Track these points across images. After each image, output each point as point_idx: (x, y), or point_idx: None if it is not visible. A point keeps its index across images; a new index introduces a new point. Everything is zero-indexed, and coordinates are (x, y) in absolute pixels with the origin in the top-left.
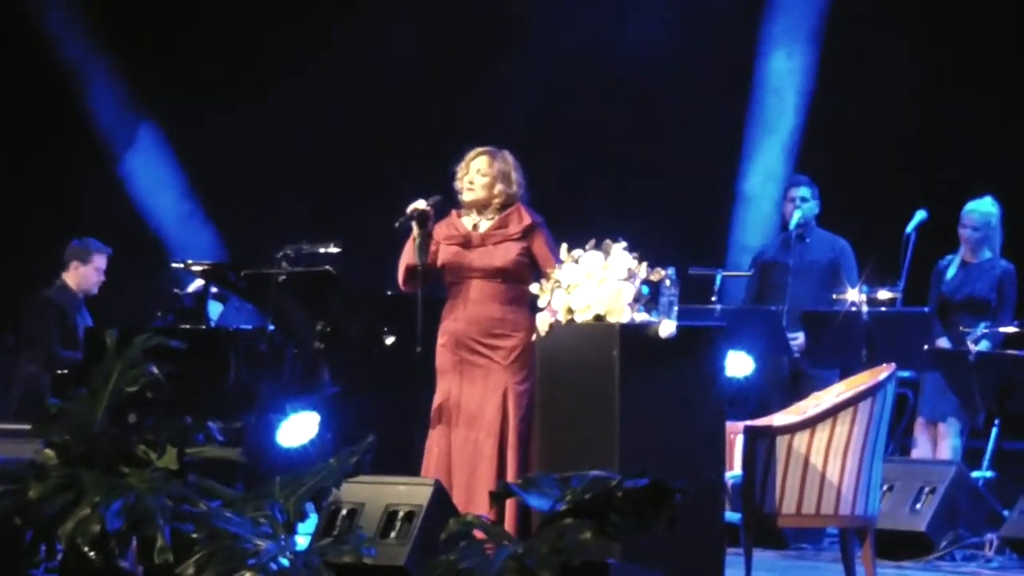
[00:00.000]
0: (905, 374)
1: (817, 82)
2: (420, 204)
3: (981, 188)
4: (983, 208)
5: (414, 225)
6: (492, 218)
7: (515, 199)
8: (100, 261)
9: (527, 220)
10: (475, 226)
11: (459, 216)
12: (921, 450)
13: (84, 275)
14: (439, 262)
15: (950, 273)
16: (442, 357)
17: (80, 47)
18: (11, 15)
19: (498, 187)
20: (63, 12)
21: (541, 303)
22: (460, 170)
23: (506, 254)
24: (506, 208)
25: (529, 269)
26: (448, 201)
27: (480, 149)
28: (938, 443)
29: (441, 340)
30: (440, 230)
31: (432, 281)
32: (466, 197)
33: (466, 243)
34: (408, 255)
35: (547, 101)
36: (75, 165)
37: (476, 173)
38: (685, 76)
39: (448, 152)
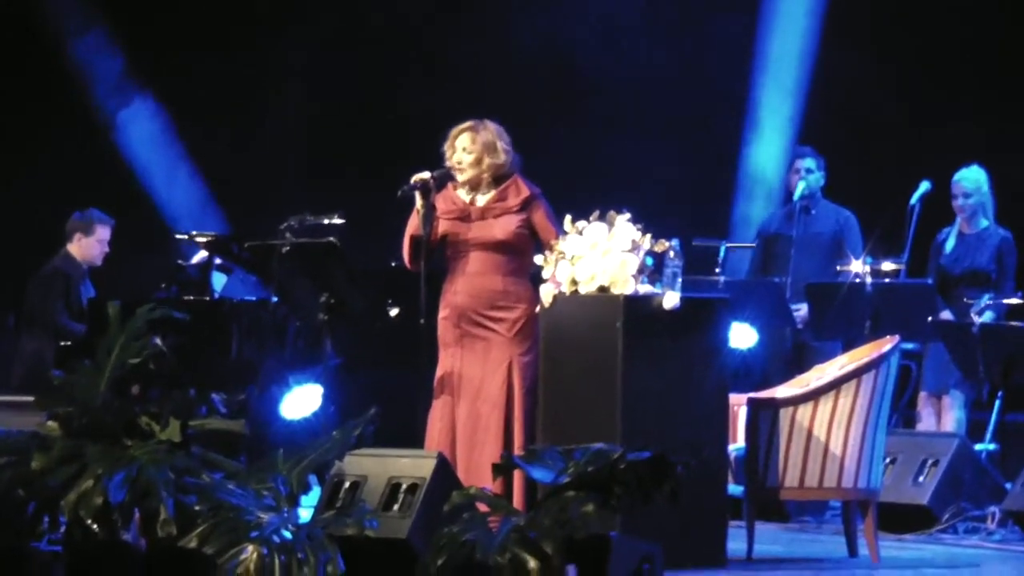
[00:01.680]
0: (909, 346)
1: (821, 52)
2: (423, 175)
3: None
4: (972, 174)
5: (417, 196)
6: (488, 191)
7: (504, 167)
8: (103, 232)
9: (525, 192)
10: (472, 200)
11: (455, 189)
12: (925, 424)
13: (88, 246)
14: (439, 235)
15: (949, 246)
16: (444, 330)
17: (76, 16)
18: None
19: (486, 160)
20: None
21: (545, 274)
22: (447, 150)
23: (506, 226)
24: (500, 179)
25: (529, 241)
26: (449, 174)
27: (462, 126)
28: (942, 416)
29: (443, 313)
30: (438, 204)
31: (437, 253)
32: (459, 177)
33: (465, 216)
34: (413, 227)
35: (551, 71)
36: (74, 137)
37: (462, 151)
38: (689, 46)
39: (452, 125)
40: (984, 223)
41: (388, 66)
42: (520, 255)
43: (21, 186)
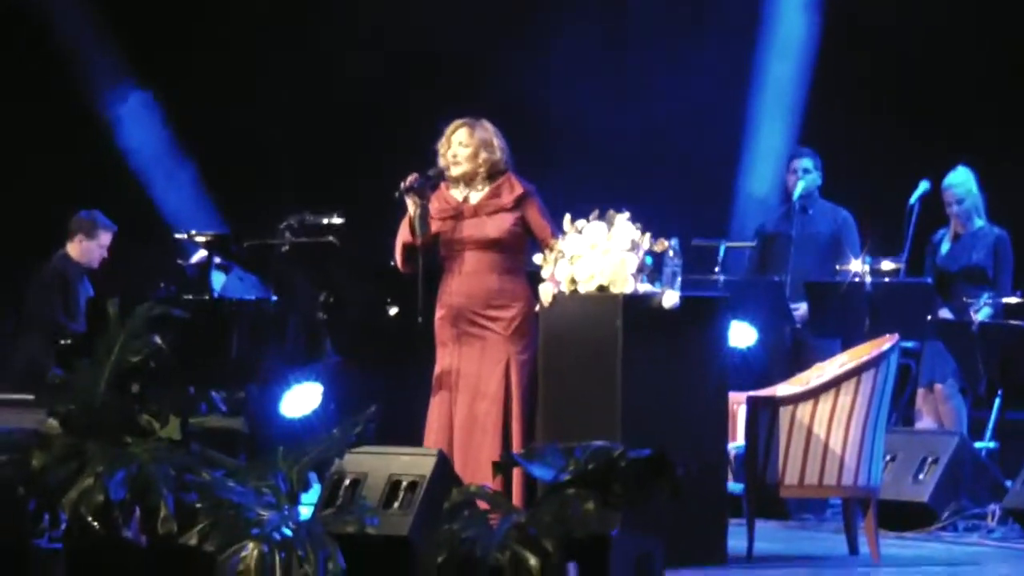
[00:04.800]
0: (908, 344)
1: (821, 51)
2: (412, 177)
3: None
4: (960, 179)
5: (409, 200)
6: (482, 189)
7: (500, 165)
8: (105, 238)
9: (519, 189)
10: (465, 198)
11: (448, 189)
12: (925, 421)
13: (88, 249)
14: (432, 235)
15: (944, 247)
16: (441, 329)
17: (74, 15)
18: None
19: (482, 155)
20: None
21: (544, 273)
22: (442, 146)
23: (500, 224)
24: (494, 177)
25: (524, 239)
26: (441, 175)
27: (458, 121)
28: (938, 407)
29: (439, 312)
30: (432, 204)
31: (433, 254)
32: (453, 172)
33: (458, 215)
34: (404, 233)
35: (548, 71)
36: (73, 135)
37: (458, 145)
38: (687, 47)
39: (449, 121)
40: (979, 223)
41: (387, 63)
42: (515, 253)
43: (20, 183)
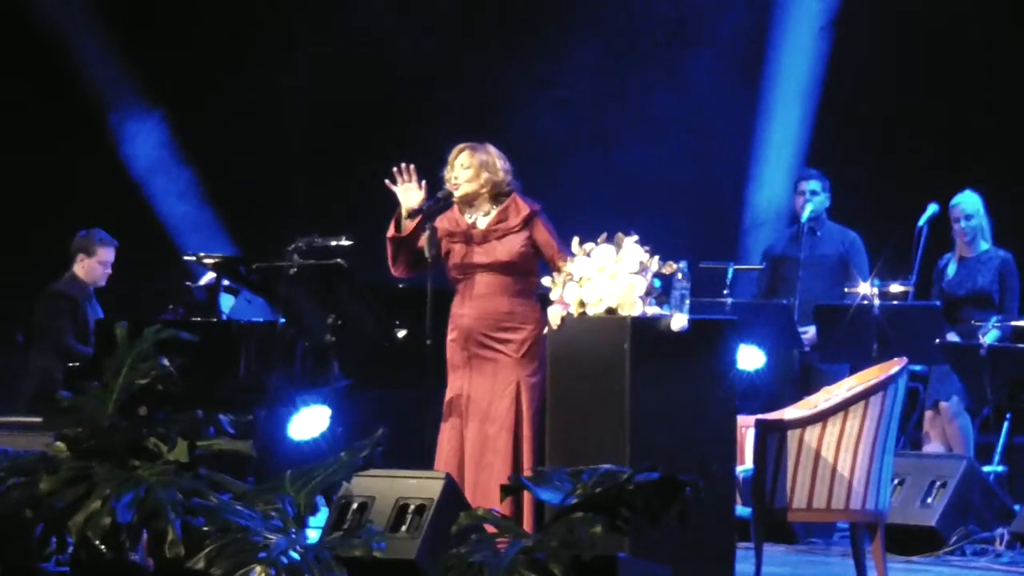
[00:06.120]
0: (916, 368)
1: (828, 73)
2: (413, 204)
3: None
4: (969, 198)
5: (413, 222)
6: (488, 211)
7: (503, 186)
8: (105, 254)
9: (525, 210)
10: (474, 223)
11: (460, 212)
12: (933, 447)
13: (90, 268)
14: (442, 256)
15: (950, 271)
16: (452, 352)
17: (87, 37)
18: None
19: (483, 176)
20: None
21: (553, 296)
22: (447, 172)
23: (510, 247)
24: (499, 198)
25: (534, 259)
26: (438, 205)
27: (461, 145)
28: (945, 426)
29: (451, 335)
30: (442, 224)
31: (429, 267)
32: (457, 194)
33: (468, 239)
34: (391, 228)
35: (556, 91)
36: (84, 157)
37: (460, 168)
38: (695, 69)
39: (454, 143)
40: (984, 246)
41: (395, 85)
42: (525, 275)
43: (30, 204)
